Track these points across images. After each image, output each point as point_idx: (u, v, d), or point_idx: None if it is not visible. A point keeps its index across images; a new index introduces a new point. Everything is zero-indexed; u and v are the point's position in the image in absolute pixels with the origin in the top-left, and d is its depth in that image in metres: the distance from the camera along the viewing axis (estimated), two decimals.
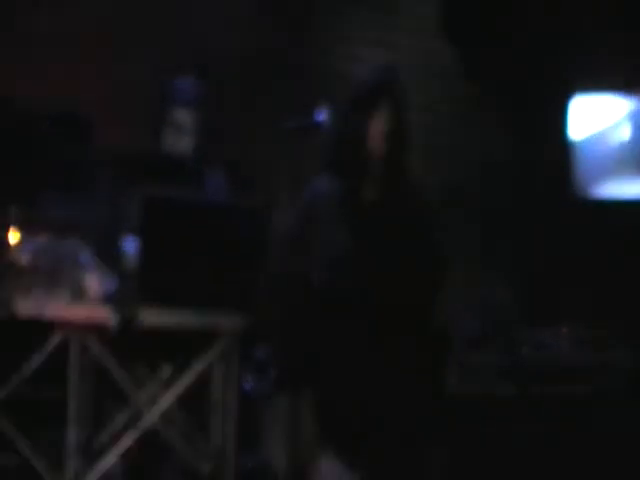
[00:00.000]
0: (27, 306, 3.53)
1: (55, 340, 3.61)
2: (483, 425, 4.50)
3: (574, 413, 4.58)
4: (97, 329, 3.62)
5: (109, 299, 3.59)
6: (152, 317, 3.63)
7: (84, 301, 3.62)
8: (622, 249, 5.26)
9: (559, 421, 4.56)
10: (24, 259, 3.57)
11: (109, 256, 3.68)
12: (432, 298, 3.33)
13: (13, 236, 3.62)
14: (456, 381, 4.56)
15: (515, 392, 4.61)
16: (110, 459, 3.67)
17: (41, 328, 3.59)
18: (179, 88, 4.36)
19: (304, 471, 3.39)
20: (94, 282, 3.60)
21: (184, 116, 4.30)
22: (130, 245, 3.71)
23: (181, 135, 4.30)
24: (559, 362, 4.73)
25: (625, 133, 5.51)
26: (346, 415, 3.26)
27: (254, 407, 3.99)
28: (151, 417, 3.73)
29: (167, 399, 3.78)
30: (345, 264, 3.26)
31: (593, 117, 5.52)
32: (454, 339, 4.62)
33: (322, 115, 3.43)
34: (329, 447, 3.29)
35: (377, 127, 3.27)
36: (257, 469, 3.97)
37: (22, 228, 3.65)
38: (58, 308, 3.59)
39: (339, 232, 3.28)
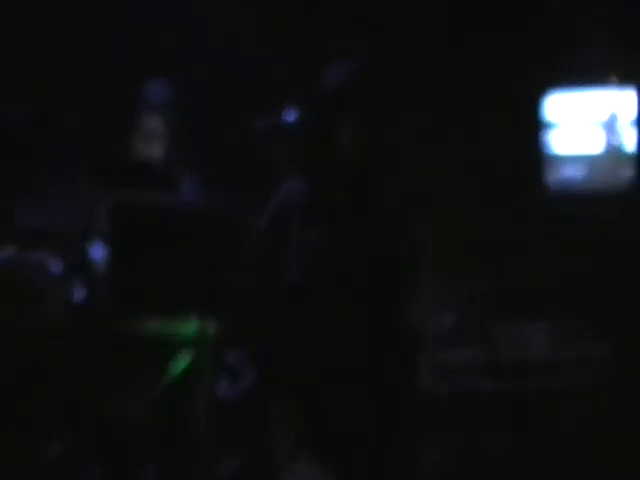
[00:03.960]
0: None
1: None
2: (462, 421, 4.50)
3: (553, 408, 4.58)
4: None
5: (80, 308, 3.57)
6: (124, 324, 3.60)
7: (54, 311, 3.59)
8: (598, 244, 5.27)
9: (538, 416, 4.56)
10: None
11: (80, 264, 3.65)
12: (403, 298, 3.31)
13: None
14: (434, 378, 4.55)
15: (494, 388, 4.61)
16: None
17: None
18: (149, 93, 4.33)
19: (279, 473, 3.38)
20: (64, 292, 3.56)
21: (154, 121, 4.27)
22: (99, 252, 3.68)
23: (151, 140, 4.27)
24: (537, 357, 4.73)
25: (600, 128, 5.52)
26: (320, 417, 3.25)
27: (229, 411, 3.97)
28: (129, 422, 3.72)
29: (144, 404, 3.76)
30: (315, 267, 3.25)
31: (567, 112, 5.53)
32: (431, 336, 4.62)
33: (292, 115, 3.41)
34: (303, 449, 3.27)
35: (345, 130, 3.25)
36: (234, 472, 3.95)
37: None
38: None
39: (309, 234, 3.27)
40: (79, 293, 3.60)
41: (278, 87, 4.23)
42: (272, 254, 3.36)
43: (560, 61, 5.42)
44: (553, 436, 4.53)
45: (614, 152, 5.48)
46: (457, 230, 5.30)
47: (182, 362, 3.79)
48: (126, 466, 3.88)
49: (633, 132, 5.41)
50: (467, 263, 5.18)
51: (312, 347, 3.26)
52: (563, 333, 4.78)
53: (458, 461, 4.45)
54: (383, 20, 5.35)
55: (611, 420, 4.52)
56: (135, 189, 3.82)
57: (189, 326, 3.71)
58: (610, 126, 5.49)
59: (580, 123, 5.51)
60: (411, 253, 3.36)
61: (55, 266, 3.63)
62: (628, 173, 5.44)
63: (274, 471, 3.38)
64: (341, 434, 3.22)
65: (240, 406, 4.01)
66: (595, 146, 5.51)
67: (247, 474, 3.97)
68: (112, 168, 4.09)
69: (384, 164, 3.33)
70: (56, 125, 4.37)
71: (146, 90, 4.32)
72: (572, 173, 5.53)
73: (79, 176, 3.99)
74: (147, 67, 4.73)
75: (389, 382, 3.27)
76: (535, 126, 5.51)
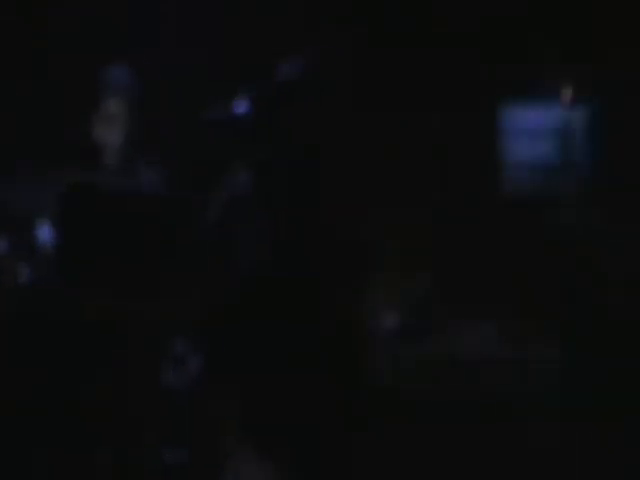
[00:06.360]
0: None
1: None
2: (413, 420, 4.51)
3: (501, 409, 4.60)
4: None
5: (26, 289, 3.56)
6: (70, 306, 3.59)
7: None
8: (550, 247, 5.33)
9: (486, 417, 4.58)
10: None
11: (27, 245, 3.64)
12: (349, 296, 3.33)
13: None
14: (380, 376, 4.57)
15: (446, 387, 4.63)
16: None
17: None
18: (110, 77, 4.32)
19: (222, 466, 3.37)
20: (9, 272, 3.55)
21: (115, 106, 4.27)
22: (47, 233, 3.67)
23: (111, 125, 4.26)
24: (485, 358, 4.75)
25: (555, 139, 5.58)
26: (265, 410, 3.26)
27: (174, 401, 3.97)
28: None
29: (88, 390, 3.75)
30: (260, 259, 3.26)
31: (523, 123, 5.58)
32: (380, 335, 4.64)
33: (242, 108, 3.41)
34: (248, 441, 3.28)
35: (293, 124, 3.27)
36: (177, 464, 3.95)
37: None
38: None
39: (256, 226, 3.28)
40: (25, 274, 3.59)
41: (231, 78, 4.22)
42: (221, 244, 3.37)
43: (517, 74, 5.47)
44: (504, 435, 4.56)
45: (567, 161, 5.54)
46: (409, 230, 5.33)
47: (130, 348, 3.79)
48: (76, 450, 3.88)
49: (586, 142, 5.48)
50: (419, 263, 5.20)
51: (256, 341, 3.27)
52: (514, 333, 4.82)
53: (407, 460, 4.46)
54: (350, 20, 5.37)
55: (562, 420, 4.56)
56: (88, 172, 3.82)
57: (136, 310, 3.70)
58: (564, 136, 5.55)
59: (535, 132, 5.56)
60: (357, 251, 3.38)
61: (0, 246, 3.62)
62: (580, 181, 5.51)
63: (220, 460, 3.39)
64: (285, 425, 3.23)
65: (187, 394, 4.00)
66: (549, 154, 5.56)
67: (194, 464, 3.96)
68: (66, 150, 4.09)
69: (330, 161, 3.36)
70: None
71: (108, 74, 4.32)
72: (526, 179, 5.59)
73: (31, 157, 3.99)
74: (109, 51, 4.73)
75: (334, 378, 3.29)
76: (491, 132, 5.55)
